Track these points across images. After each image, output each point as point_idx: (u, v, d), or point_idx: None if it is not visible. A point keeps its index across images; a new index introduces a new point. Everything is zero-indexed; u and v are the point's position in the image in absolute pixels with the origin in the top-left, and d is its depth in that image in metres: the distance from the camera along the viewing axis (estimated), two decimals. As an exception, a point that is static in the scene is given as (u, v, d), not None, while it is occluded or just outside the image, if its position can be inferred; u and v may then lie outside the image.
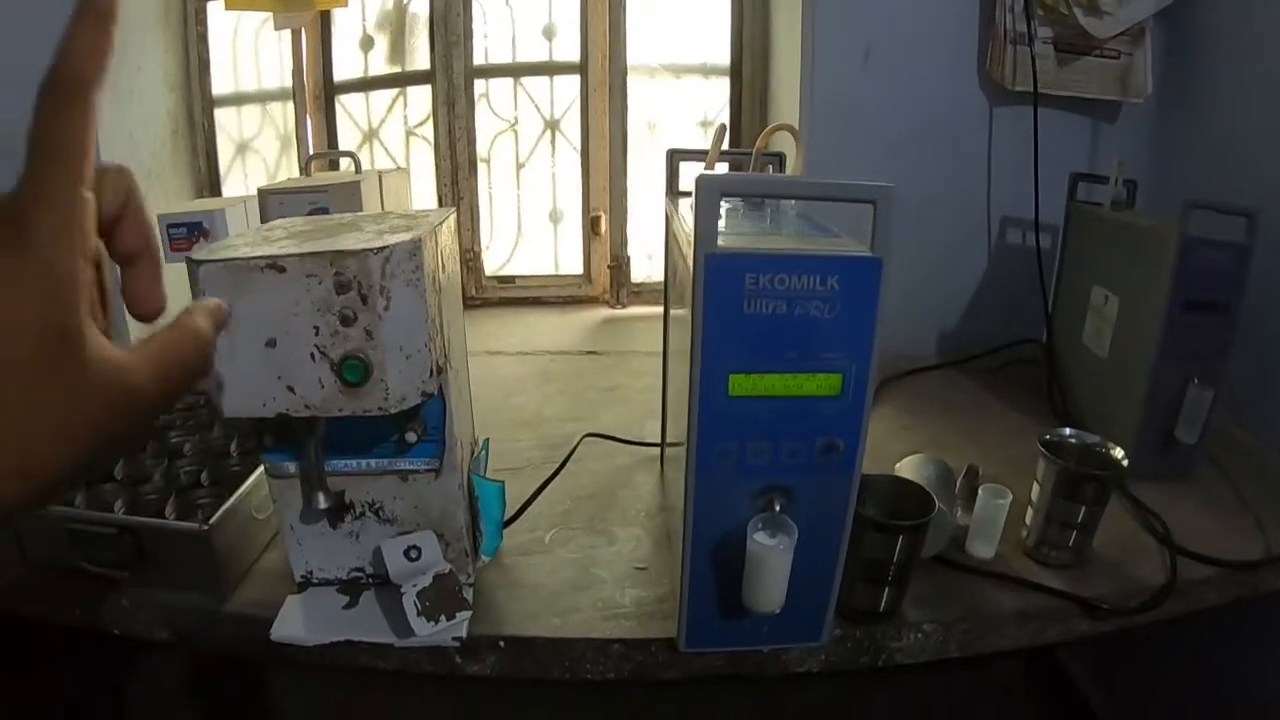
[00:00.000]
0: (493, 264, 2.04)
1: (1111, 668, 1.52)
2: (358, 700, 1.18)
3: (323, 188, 1.37)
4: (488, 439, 1.00)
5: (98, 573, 0.88)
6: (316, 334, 0.65)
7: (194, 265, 0.63)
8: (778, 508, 0.69)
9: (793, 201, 0.90)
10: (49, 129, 0.39)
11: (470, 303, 1.98)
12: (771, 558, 0.67)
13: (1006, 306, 1.61)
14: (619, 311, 1.98)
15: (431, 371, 0.70)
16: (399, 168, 1.77)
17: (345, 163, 1.75)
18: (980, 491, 0.93)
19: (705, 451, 0.68)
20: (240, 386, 0.66)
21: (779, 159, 1.01)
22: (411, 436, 0.78)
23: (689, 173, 1.00)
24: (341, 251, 0.63)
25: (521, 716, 1.37)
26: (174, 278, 1.65)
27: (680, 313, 0.87)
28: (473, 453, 0.93)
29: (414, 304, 0.67)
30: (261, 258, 0.63)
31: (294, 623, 0.83)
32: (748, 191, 0.79)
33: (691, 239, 0.66)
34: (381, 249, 0.64)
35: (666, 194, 1.02)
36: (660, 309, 1.08)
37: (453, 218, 0.84)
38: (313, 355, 0.65)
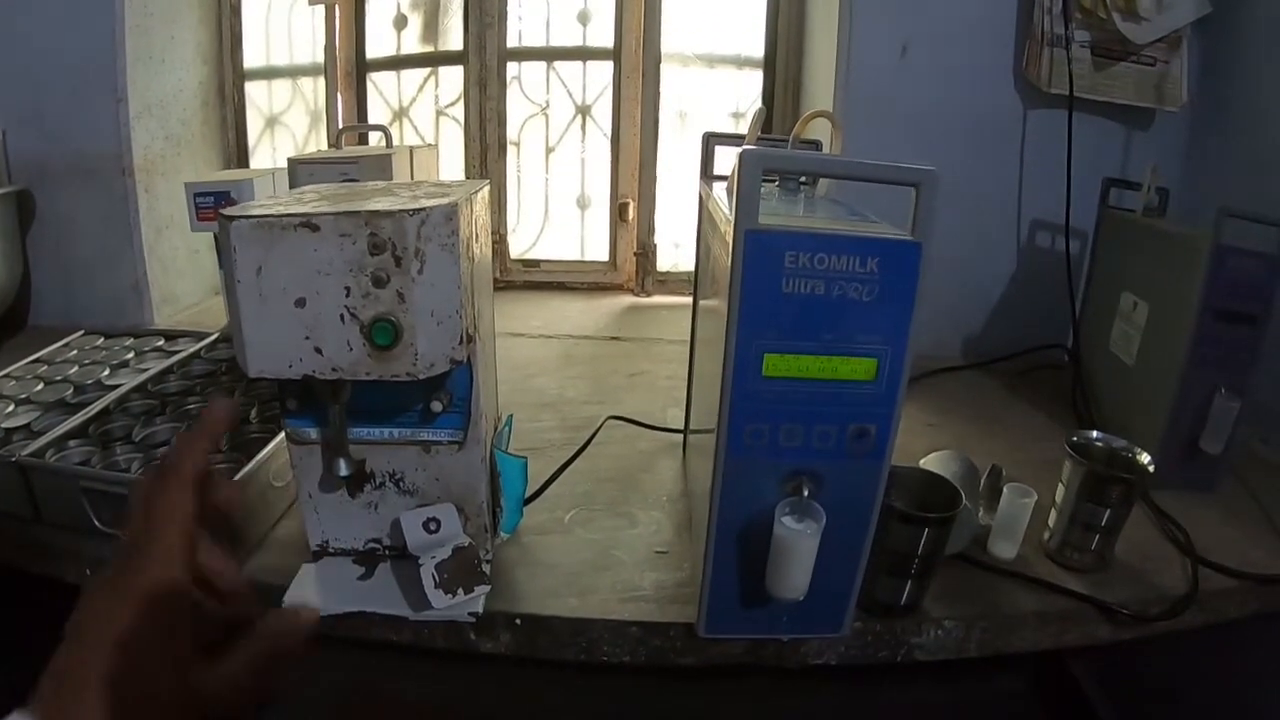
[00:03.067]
0: (518, 247, 2.04)
1: (1123, 684, 1.51)
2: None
3: (354, 159, 1.36)
4: (511, 415, 0.99)
5: (110, 533, 0.88)
6: (347, 295, 0.64)
7: (225, 221, 0.63)
8: (806, 493, 0.68)
9: (826, 189, 0.89)
10: (150, 503, 0.49)
11: (494, 284, 1.96)
12: (799, 543, 0.66)
13: (1033, 310, 1.59)
14: (644, 299, 1.97)
15: (461, 339, 0.69)
16: (429, 144, 1.77)
17: (375, 137, 1.76)
18: (1006, 490, 0.92)
19: (736, 432, 0.67)
20: (266, 346, 0.66)
21: (815, 146, 1.00)
22: (437, 406, 0.77)
23: (724, 158, 0.99)
24: (377, 212, 0.62)
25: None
26: (201, 246, 1.65)
27: (711, 303, 0.86)
28: (495, 428, 0.93)
29: (448, 268, 0.66)
30: (295, 215, 0.62)
31: (308, 591, 0.81)
32: (792, 168, 0.78)
33: (727, 220, 0.65)
34: (418, 210, 0.63)
35: (701, 177, 1.01)
36: (686, 299, 1.07)
37: (486, 189, 0.83)
38: (342, 317, 0.65)
